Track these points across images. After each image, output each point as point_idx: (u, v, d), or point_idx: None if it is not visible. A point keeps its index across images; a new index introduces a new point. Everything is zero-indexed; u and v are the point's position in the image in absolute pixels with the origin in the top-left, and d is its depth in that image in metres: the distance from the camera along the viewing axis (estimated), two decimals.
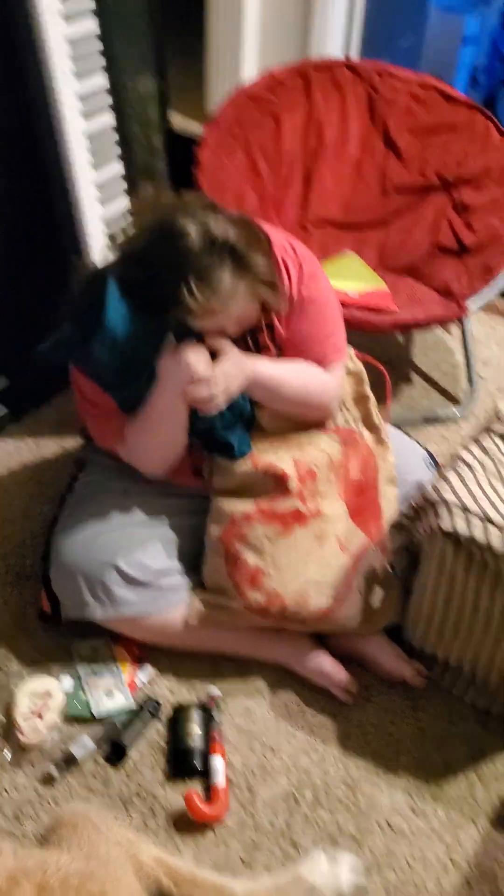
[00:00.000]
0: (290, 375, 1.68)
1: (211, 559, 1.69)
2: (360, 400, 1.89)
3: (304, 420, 1.76)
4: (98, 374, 1.58)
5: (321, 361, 1.71)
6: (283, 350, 1.70)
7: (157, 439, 1.65)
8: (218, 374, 1.53)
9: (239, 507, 1.67)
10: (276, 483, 1.66)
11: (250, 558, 1.64)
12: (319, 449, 1.73)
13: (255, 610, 1.63)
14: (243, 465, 1.68)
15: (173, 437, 1.65)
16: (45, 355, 1.56)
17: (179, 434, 1.64)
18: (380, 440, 1.86)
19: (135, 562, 1.65)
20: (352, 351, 1.92)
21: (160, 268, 1.43)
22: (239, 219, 1.50)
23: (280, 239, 1.66)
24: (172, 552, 1.72)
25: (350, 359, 1.91)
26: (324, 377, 1.72)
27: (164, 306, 1.44)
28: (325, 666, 1.67)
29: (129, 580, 1.64)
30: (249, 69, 2.99)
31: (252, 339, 1.67)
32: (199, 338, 1.54)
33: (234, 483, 1.69)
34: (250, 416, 1.71)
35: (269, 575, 1.63)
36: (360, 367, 1.90)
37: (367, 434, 1.85)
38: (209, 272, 1.41)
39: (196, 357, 1.51)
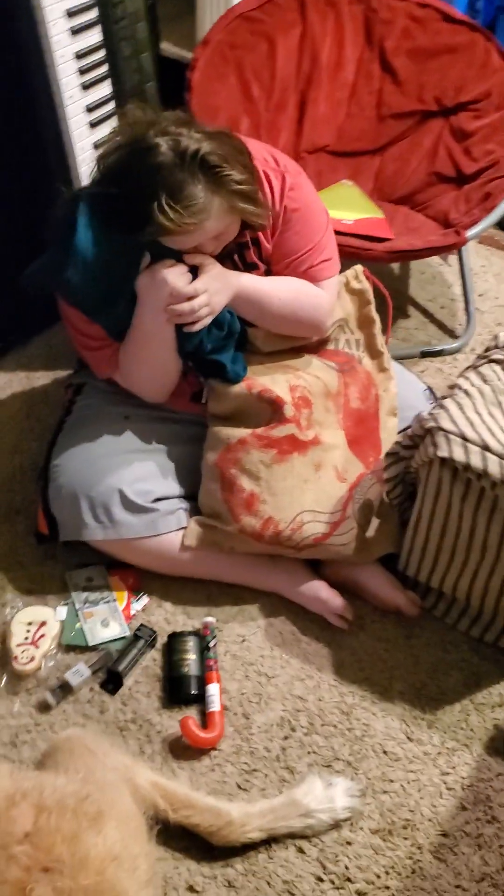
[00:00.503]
0: (277, 289, 1.65)
1: (206, 484, 1.68)
2: (365, 322, 1.86)
3: (298, 339, 1.74)
4: (78, 300, 1.56)
5: (311, 276, 1.68)
6: (272, 267, 1.67)
7: (148, 363, 1.63)
8: (198, 287, 1.50)
9: (234, 432, 1.65)
10: (272, 409, 1.64)
11: (245, 483, 1.62)
12: (315, 376, 1.71)
13: (250, 534, 1.62)
14: (238, 389, 1.66)
15: (163, 360, 1.63)
16: (27, 282, 1.53)
17: (169, 356, 1.62)
18: (382, 367, 1.83)
19: (137, 487, 1.64)
20: (359, 268, 1.89)
21: (132, 185, 1.40)
22: (216, 132, 1.46)
23: (261, 151, 1.62)
24: (172, 478, 1.72)
25: (356, 277, 1.88)
26: (315, 291, 1.69)
27: (138, 225, 1.40)
28: (321, 593, 1.67)
29: (131, 504, 1.63)
30: None
31: (239, 258, 1.64)
32: (178, 256, 1.51)
33: (229, 407, 1.67)
34: (242, 335, 1.68)
35: (264, 500, 1.62)
36: (367, 286, 1.87)
37: (368, 360, 1.83)
38: (181, 187, 1.37)
39: (173, 273, 1.49)
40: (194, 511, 1.71)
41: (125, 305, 1.55)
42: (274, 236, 1.65)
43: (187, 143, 1.38)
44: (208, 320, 1.56)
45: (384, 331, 1.92)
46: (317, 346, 1.80)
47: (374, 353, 1.86)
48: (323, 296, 1.70)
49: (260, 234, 1.63)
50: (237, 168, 1.44)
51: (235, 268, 1.62)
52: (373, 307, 1.88)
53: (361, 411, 1.77)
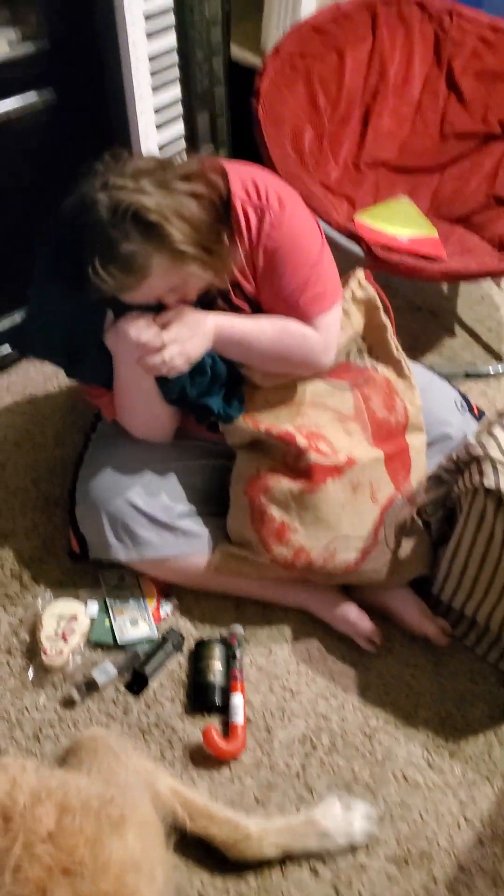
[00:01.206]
0: (260, 329, 1.55)
1: (235, 513, 1.66)
2: (376, 329, 1.79)
3: (297, 375, 1.68)
4: (52, 359, 1.61)
5: (301, 314, 1.56)
6: (262, 306, 1.59)
7: (137, 411, 1.64)
8: (167, 338, 1.44)
9: (264, 461, 1.63)
10: (284, 444, 1.60)
11: (276, 513, 1.60)
12: (320, 409, 1.68)
13: (281, 564, 1.61)
14: (244, 426, 1.63)
15: (151, 408, 1.62)
16: (16, 346, 1.56)
17: (156, 404, 1.60)
18: (401, 374, 1.77)
19: (158, 503, 1.63)
20: (361, 275, 1.82)
21: (72, 244, 1.35)
22: (177, 174, 1.37)
23: (244, 181, 1.50)
24: (195, 494, 1.71)
25: (360, 285, 1.81)
26: (302, 331, 1.57)
27: (82, 283, 1.34)
28: (351, 614, 1.67)
29: (151, 520, 1.63)
30: (310, 4, 2.89)
31: (225, 301, 1.58)
32: (144, 308, 1.46)
33: (245, 439, 1.66)
34: (232, 377, 1.62)
35: (294, 529, 1.60)
36: (373, 293, 1.80)
37: (383, 367, 1.78)
38: (114, 246, 1.30)
39: (137, 327, 1.43)
40: (219, 528, 1.69)
41: (101, 360, 1.53)
42: (256, 276, 1.55)
43: (124, 197, 1.30)
44: (186, 367, 1.49)
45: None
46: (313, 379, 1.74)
47: (390, 360, 1.78)
48: (311, 335, 1.58)
49: (239, 276, 1.54)
50: (180, 225, 1.33)
51: (226, 310, 1.57)
52: (381, 311, 1.79)
53: (390, 423, 1.72)
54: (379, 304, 1.80)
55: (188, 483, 1.71)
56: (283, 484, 1.60)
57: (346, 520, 1.63)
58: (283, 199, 1.51)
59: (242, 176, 1.50)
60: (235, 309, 1.58)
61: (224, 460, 1.71)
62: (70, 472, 1.95)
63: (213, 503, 1.72)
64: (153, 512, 1.63)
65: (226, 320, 1.52)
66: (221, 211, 1.44)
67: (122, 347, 1.48)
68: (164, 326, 1.45)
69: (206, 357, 1.54)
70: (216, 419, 1.64)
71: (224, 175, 1.47)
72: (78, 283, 1.35)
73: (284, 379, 1.67)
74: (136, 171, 1.35)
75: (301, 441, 1.58)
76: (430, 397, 1.79)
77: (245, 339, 1.54)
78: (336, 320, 1.63)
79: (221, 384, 1.61)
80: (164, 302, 1.45)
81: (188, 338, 1.46)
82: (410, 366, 1.79)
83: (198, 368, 1.54)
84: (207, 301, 1.54)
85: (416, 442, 1.75)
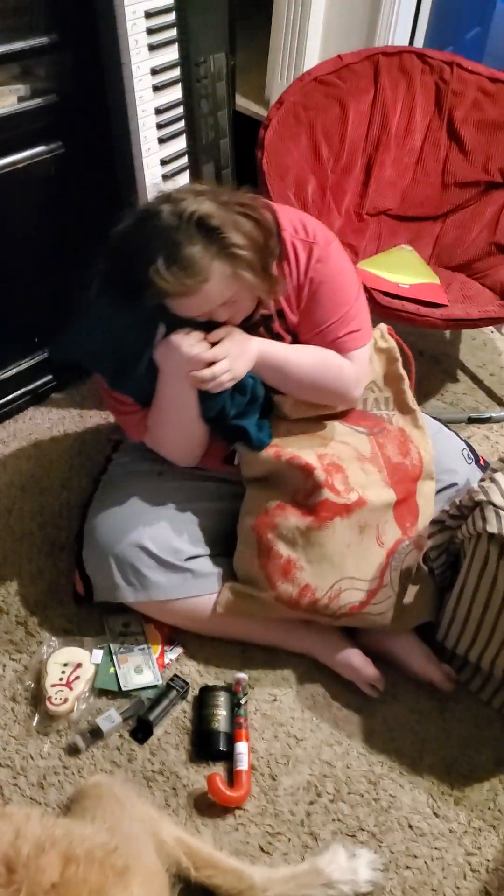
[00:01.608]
0: (300, 357, 1.64)
1: (242, 549, 1.67)
2: (393, 379, 1.86)
3: (326, 407, 1.74)
4: (101, 370, 1.62)
5: (338, 347, 1.66)
6: (299, 337, 1.68)
7: (173, 428, 1.66)
8: (217, 353, 1.51)
9: (273, 497, 1.65)
10: (303, 476, 1.63)
11: (283, 549, 1.62)
12: (343, 443, 1.71)
13: (286, 602, 1.62)
14: (266, 455, 1.66)
15: (188, 426, 1.65)
16: (55, 355, 1.59)
17: (193, 422, 1.64)
18: (417, 425, 1.82)
19: (166, 545, 1.65)
20: (384, 327, 1.90)
21: (134, 250, 1.42)
22: (231, 199, 1.46)
23: (293, 220, 1.61)
24: (204, 536, 1.72)
25: (382, 336, 1.88)
26: (339, 361, 1.66)
27: (140, 290, 1.41)
28: (355, 660, 1.67)
29: (161, 563, 1.64)
30: (313, 56, 2.96)
31: (266, 330, 1.65)
32: (195, 325, 1.52)
33: (261, 471, 1.68)
34: (268, 403, 1.69)
35: (301, 567, 1.62)
36: (393, 344, 1.87)
37: (399, 417, 1.82)
38: (178, 248, 1.38)
39: (188, 342, 1.50)
40: (227, 570, 1.71)
41: (147, 375, 1.57)
42: (300, 307, 1.64)
43: (188, 205, 1.39)
44: (229, 384, 1.55)
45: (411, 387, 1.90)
46: (344, 411, 1.80)
47: (406, 410, 1.84)
48: (347, 366, 1.67)
49: (284, 305, 1.63)
50: (239, 234, 1.41)
51: (268, 338, 1.64)
52: (400, 364, 1.87)
53: (406, 467, 1.75)
54: (398, 356, 1.87)
55: (197, 525, 1.73)
56: (291, 520, 1.62)
57: (351, 561, 1.64)
58: (328, 238, 1.63)
59: (290, 215, 1.62)
60: (276, 338, 1.66)
61: (233, 502, 1.73)
62: (77, 516, 1.97)
63: (221, 545, 1.74)
64: (162, 554, 1.64)
65: (269, 344, 1.61)
66: (272, 239, 1.51)
67: (172, 361, 1.52)
68: (213, 343, 1.52)
69: (248, 378, 1.61)
70: (246, 444, 1.67)
71: (272, 211, 1.56)
72: (133, 294, 1.43)
73: (311, 412, 1.73)
74: (194, 189, 1.46)
75: (319, 475, 1.62)
76: (438, 447, 1.83)
77: (286, 364, 1.62)
78: (367, 357, 1.74)
79: (258, 407, 1.67)
80: (214, 318, 1.51)
81: (236, 356, 1.54)
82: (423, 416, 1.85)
83: (239, 388, 1.61)
84: (250, 327, 1.61)
85: (426, 489, 1.78)
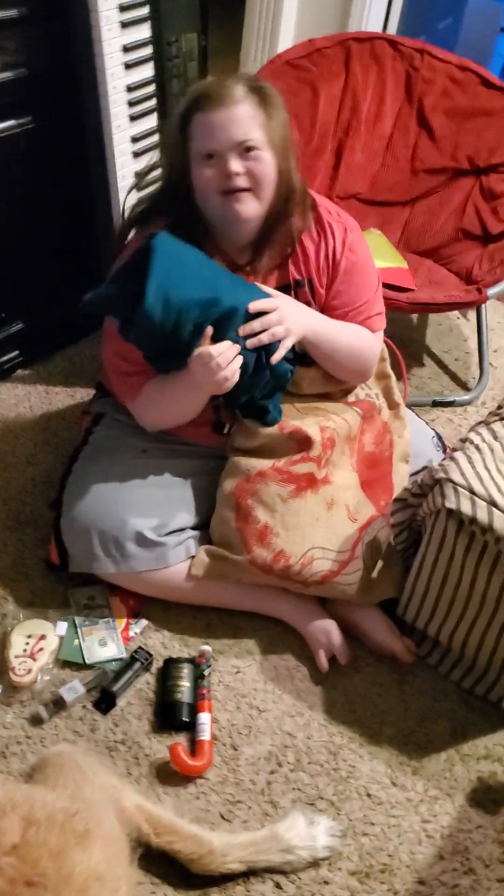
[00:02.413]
0: (342, 328, 1.72)
1: (220, 511, 1.71)
2: (381, 377, 1.92)
3: (341, 383, 1.81)
4: (137, 343, 1.57)
5: (368, 327, 1.76)
6: (326, 314, 1.73)
7: (174, 408, 1.68)
8: (272, 303, 1.56)
9: (256, 463, 1.69)
10: (298, 446, 1.69)
11: (261, 515, 1.66)
12: (343, 419, 1.76)
13: (260, 566, 1.65)
14: (269, 429, 1.70)
15: (189, 410, 1.68)
16: (87, 307, 1.54)
17: (196, 409, 1.67)
18: (398, 416, 1.88)
19: (151, 522, 1.67)
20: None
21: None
22: None
23: (327, 204, 1.69)
24: (186, 511, 1.75)
25: None
26: (371, 336, 1.77)
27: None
28: (329, 627, 1.69)
29: (143, 537, 1.66)
30: (286, 40, 2.97)
31: (294, 296, 1.68)
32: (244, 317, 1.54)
33: (255, 444, 1.71)
34: (286, 384, 1.72)
35: (277, 534, 1.65)
36: (382, 344, 1.92)
37: (386, 410, 1.87)
38: (224, 77, 1.53)
39: (221, 346, 1.51)
40: (204, 539, 1.74)
41: (179, 362, 1.56)
42: (333, 284, 1.71)
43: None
44: (289, 343, 1.58)
45: (400, 385, 1.97)
46: (341, 396, 1.84)
47: (392, 404, 1.91)
48: (377, 342, 1.79)
49: (315, 276, 1.69)
50: (278, 106, 1.53)
51: None
52: (388, 363, 1.94)
53: (375, 455, 1.81)
54: (386, 356, 1.94)
55: (180, 501, 1.75)
56: (272, 487, 1.67)
57: (322, 533, 1.68)
58: (355, 224, 1.74)
59: (323, 200, 1.71)
60: (303, 304, 1.69)
61: (216, 477, 1.76)
62: (42, 492, 1.98)
63: (201, 518, 1.77)
64: (145, 530, 1.66)
65: (320, 317, 1.68)
66: (293, 150, 1.60)
67: (204, 372, 1.52)
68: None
69: (287, 367, 1.66)
70: (259, 421, 1.71)
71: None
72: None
73: (325, 388, 1.81)
74: None
75: (315, 449, 1.68)
76: (411, 434, 1.91)
77: (334, 338, 1.69)
78: (382, 338, 1.84)
79: (281, 389, 1.71)
80: (230, 165, 1.50)
81: (291, 316, 1.59)
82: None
83: (276, 373, 1.64)
84: (283, 290, 1.66)
85: (402, 470, 1.86)
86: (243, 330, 1.54)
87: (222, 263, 1.61)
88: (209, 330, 1.51)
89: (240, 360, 1.54)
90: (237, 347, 1.53)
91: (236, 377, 1.54)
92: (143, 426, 1.76)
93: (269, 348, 1.57)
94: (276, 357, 1.58)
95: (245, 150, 1.50)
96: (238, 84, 1.50)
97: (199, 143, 1.51)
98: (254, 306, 1.55)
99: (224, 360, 1.51)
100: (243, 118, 1.49)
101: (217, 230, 1.61)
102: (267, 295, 1.59)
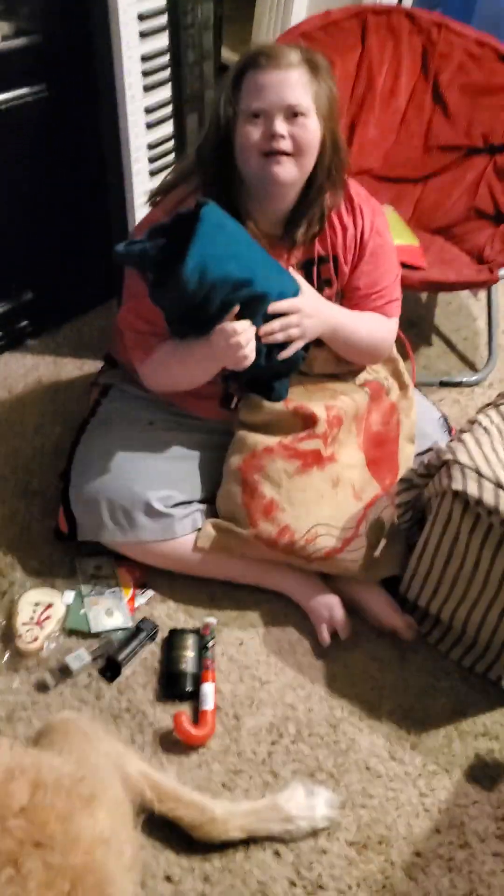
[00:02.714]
0: (361, 321, 1.75)
1: (227, 486, 1.73)
2: (388, 360, 1.93)
3: (352, 365, 1.84)
4: (161, 306, 1.57)
5: (385, 312, 1.79)
6: (347, 297, 1.75)
7: (184, 374, 1.68)
8: (294, 304, 1.58)
9: (262, 439, 1.71)
10: (304, 423, 1.71)
11: (267, 490, 1.68)
12: (351, 398, 1.78)
13: (265, 540, 1.67)
14: (276, 405, 1.72)
15: (198, 379, 1.68)
16: (125, 260, 1.52)
17: (205, 378, 1.68)
18: (406, 396, 1.90)
19: (160, 493, 1.69)
20: None
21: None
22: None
23: (357, 186, 1.72)
24: (193, 484, 1.77)
25: None
26: (387, 323, 1.80)
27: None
28: (332, 602, 1.72)
29: (151, 507, 1.68)
30: (300, 10, 2.94)
31: (317, 272, 1.71)
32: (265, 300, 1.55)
33: (262, 419, 1.73)
34: (297, 368, 1.73)
35: (282, 508, 1.67)
36: (396, 330, 1.93)
37: (396, 390, 1.89)
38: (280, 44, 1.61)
39: (241, 325, 1.52)
40: (210, 513, 1.76)
41: (202, 331, 1.56)
42: (359, 265, 1.73)
43: None
44: (300, 344, 1.61)
45: (408, 365, 1.99)
46: (350, 376, 1.85)
47: (402, 385, 1.93)
48: (393, 328, 1.82)
49: (340, 253, 1.71)
50: (329, 76, 1.57)
51: (310, 281, 1.69)
52: (394, 348, 1.94)
53: (382, 434, 1.82)
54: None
55: (187, 472, 1.78)
56: (279, 463, 1.69)
57: (326, 510, 1.70)
58: (384, 214, 1.77)
59: (354, 183, 1.73)
60: (323, 283, 1.74)
61: (222, 452, 1.78)
62: (50, 462, 1.99)
63: (208, 491, 1.79)
64: (153, 500, 1.68)
65: (340, 311, 1.72)
66: (338, 119, 1.63)
67: (226, 349, 1.53)
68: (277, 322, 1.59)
69: (300, 355, 1.67)
70: (266, 396, 1.72)
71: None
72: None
73: (336, 369, 1.83)
74: None
75: (321, 427, 1.70)
76: (418, 414, 1.93)
77: (354, 332, 1.73)
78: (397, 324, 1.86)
79: (291, 371, 1.72)
80: (276, 128, 1.51)
81: (309, 314, 1.61)
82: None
83: (287, 362, 1.65)
84: (307, 265, 1.70)
85: (407, 450, 1.87)
86: (262, 330, 1.56)
87: (255, 233, 1.61)
88: (236, 308, 1.51)
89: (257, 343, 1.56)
90: (255, 329, 1.54)
91: (254, 356, 1.55)
92: (148, 388, 1.77)
93: (282, 344, 1.60)
94: (285, 354, 1.60)
95: (293, 114, 1.52)
96: (294, 51, 1.53)
97: (249, 100, 1.52)
98: (274, 308, 1.56)
99: (245, 339, 1.52)
100: (295, 83, 1.51)
101: (252, 196, 1.61)
102: (296, 286, 1.60)
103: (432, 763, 1.56)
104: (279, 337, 1.58)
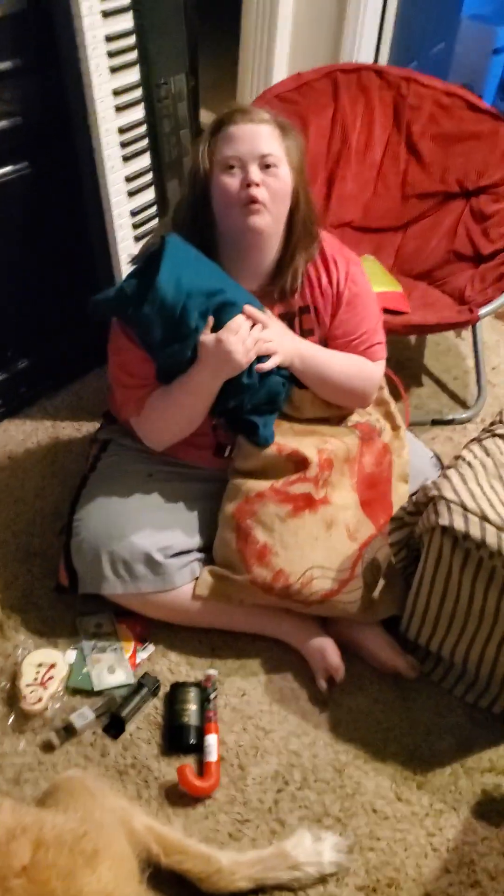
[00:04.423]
0: (339, 360, 1.79)
1: (222, 533, 1.76)
2: (380, 403, 1.97)
3: (341, 408, 1.87)
4: (145, 334, 1.64)
5: (370, 356, 1.83)
6: (329, 343, 1.80)
7: (179, 412, 1.72)
8: (266, 319, 1.65)
9: (254, 485, 1.74)
10: (295, 467, 1.74)
11: (260, 535, 1.70)
12: (341, 441, 1.81)
13: (260, 585, 1.69)
14: (268, 450, 1.75)
15: (195, 414, 1.72)
16: (95, 308, 1.62)
17: (200, 412, 1.71)
18: (398, 436, 1.94)
19: (158, 543, 1.72)
20: None
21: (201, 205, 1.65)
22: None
23: (329, 239, 1.81)
24: (191, 534, 1.80)
25: None
26: (369, 364, 1.83)
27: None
28: (326, 647, 1.73)
29: (151, 560, 1.70)
30: (280, 72, 3.04)
31: (298, 323, 1.77)
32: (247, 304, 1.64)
33: (255, 465, 1.76)
34: (280, 406, 1.78)
35: (276, 553, 1.69)
36: (382, 372, 1.97)
37: (388, 431, 1.93)
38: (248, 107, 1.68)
39: (238, 320, 1.61)
40: (207, 562, 1.78)
41: (188, 351, 1.63)
42: (336, 314, 1.79)
43: None
44: (275, 360, 1.65)
45: (400, 407, 2.03)
46: (339, 420, 1.89)
47: (394, 426, 1.96)
48: (376, 369, 1.86)
49: (321, 304, 1.77)
50: (295, 134, 1.68)
51: (292, 331, 1.76)
52: (386, 391, 2.00)
53: (375, 475, 1.84)
54: (384, 384, 2.00)
55: (185, 523, 1.81)
56: (270, 508, 1.72)
57: (321, 552, 1.72)
58: (357, 260, 1.84)
59: (327, 235, 1.81)
60: (305, 333, 1.80)
61: (219, 502, 1.80)
62: (50, 524, 2.03)
63: (206, 540, 1.81)
64: (153, 551, 1.71)
65: (312, 345, 1.77)
66: (305, 174, 1.72)
67: (214, 353, 1.60)
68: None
69: (280, 384, 1.73)
70: (252, 440, 1.76)
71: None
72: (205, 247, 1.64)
73: (325, 412, 1.86)
74: None
75: (313, 470, 1.73)
76: (410, 454, 1.95)
77: (329, 365, 1.77)
78: (384, 367, 1.90)
79: (276, 410, 1.77)
80: (251, 176, 1.59)
81: (281, 334, 1.69)
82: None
83: (269, 391, 1.71)
84: (287, 316, 1.77)
85: (401, 490, 1.89)
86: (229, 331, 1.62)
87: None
88: (211, 319, 1.60)
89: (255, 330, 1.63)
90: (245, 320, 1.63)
91: (246, 357, 1.60)
92: (147, 444, 1.81)
93: (259, 358, 1.65)
94: (263, 367, 1.64)
95: (265, 165, 1.60)
96: (264, 111, 1.67)
97: (225, 150, 1.61)
98: (248, 310, 1.63)
99: (233, 342, 1.59)
100: (268, 135, 1.62)
101: (230, 253, 1.69)
102: (260, 305, 1.68)
103: (439, 802, 1.55)
104: (256, 346, 1.63)
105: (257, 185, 1.59)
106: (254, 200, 1.59)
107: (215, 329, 1.61)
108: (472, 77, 4.16)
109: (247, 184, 1.59)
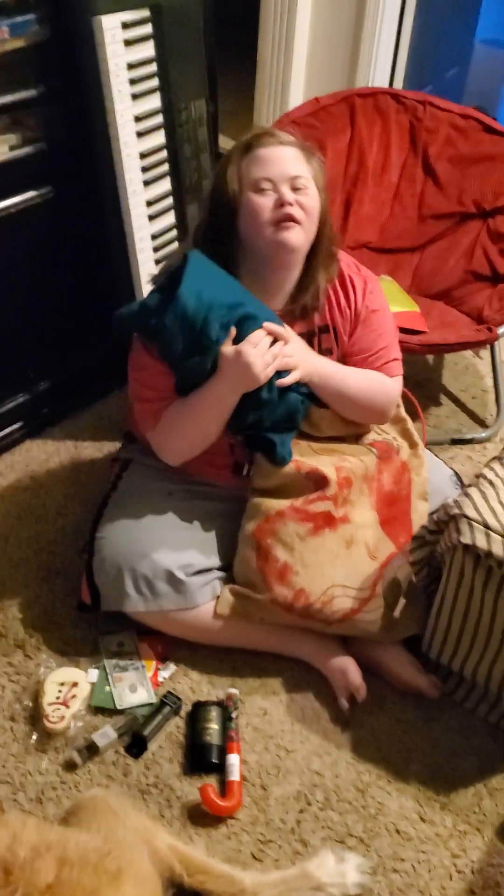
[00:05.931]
0: (356, 376, 1.81)
1: (242, 552, 1.76)
2: (396, 421, 1.98)
3: (359, 426, 1.89)
4: (167, 347, 1.66)
5: (387, 372, 1.85)
6: (346, 360, 1.83)
7: (195, 425, 1.73)
8: (285, 333, 1.66)
9: (274, 504, 1.74)
10: (315, 485, 1.74)
11: (280, 554, 1.70)
12: (359, 459, 1.82)
13: (281, 604, 1.69)
14: (287, 468, 1.76)
15: (212, 429, 1.73)
16: (119, 323, 1.66)
17: (216, 426, 1.72)
18: (416, 455, 1.94)
19: (180, 561, 1.72)
20: None
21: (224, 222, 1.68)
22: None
23: (347, 259, 1.85)
24: (212, 552, 1.80)
25: None
26: (387, 380, 1.85)
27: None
28: (348, 666, 1.72)
29: (172, 578, 1.71)
30: (296, 97, 3.09)
31: (318, 341, 1.80)
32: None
33: (273, 483, 1.77)
34: (299, 424, 1.79)
35: (296, 572, 1.69)
36: (399, 389, 1.98)
37: (406, 449, 1.93)
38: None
39: (258, 334, 1.62)
40: (228, 581, 1.79)
41: (208, 364, 1.65)
42: (354, 332, 1.82)
43: None
44: (294, 375, 1.67)
45: (418, 426, 2.04)
46: (356, 439, 1.90)
47: (412, 444, 1.97)
48: (394, 385, 1.87)
49: (339, 324, 1.80)
50: (320, 158, 1.72)
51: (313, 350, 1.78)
52: (402, 408, 2.00)
53: (394, 493, 1.85)
54: (400, 402, 2.00)
55: (205, 541, 1.82)
56: (290, 526, 1.72)
57: (341, 571, 1.72)
58: (374, 277, 1.87)
59: (343, 255, 1.85)
60: (324, 352, 1.82)
61: (239, 520, 1.81)
62: (72, 542, 2.04)
63: (226, 559, 1.82)
64: (174, 568, 1.72)
65: (329, 361, 1.79)
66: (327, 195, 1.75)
67: (234, 365, 1.62)
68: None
69: (299, 402, 1.74)
70: (269, 458, 1.77)
71: None
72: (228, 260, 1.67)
73: (344, 431, 1.88)
74: None
75: (332, 488, 1.74)
76: (429, 472, 1.96)
77: (346, 382, 1.79)
78: (401, 383, 1.92)
79: (293, 428, 1.79)
80: (283, 196, 1.63)
81: (301, 351, 1.71)
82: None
83: (288, 409, 1.72)
84: (308, 335, 1.79)
85: (420, 508, 1.89)
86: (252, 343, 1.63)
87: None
88: (233, 330, 1.62)
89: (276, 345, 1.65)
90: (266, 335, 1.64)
91: (266, 372, 1.62)
92: (162, 458, 1.81)
93: (279, 373, 1.66)
94: (283, 382, 1.66)
95: (295, 188, 1.64)
96: (286, 133, 1.72)
97: (255, 172, 1.65)
98: (268, 326, 1.64)
99: (254, 355, 1.60)
100: (294, 157, 1.67)
101: (252, 272, 1.71)
102: (280, 321, 1.69)
103: (463, 823, 1.54)
104: (275, 362, 1.64)
105: (291, 203, 1.62)
106: (291, 218, 1.62)
107: (236, 342, 1.63)
108: (485, 100, 4.20)
109: (281, 203, 1.62)
